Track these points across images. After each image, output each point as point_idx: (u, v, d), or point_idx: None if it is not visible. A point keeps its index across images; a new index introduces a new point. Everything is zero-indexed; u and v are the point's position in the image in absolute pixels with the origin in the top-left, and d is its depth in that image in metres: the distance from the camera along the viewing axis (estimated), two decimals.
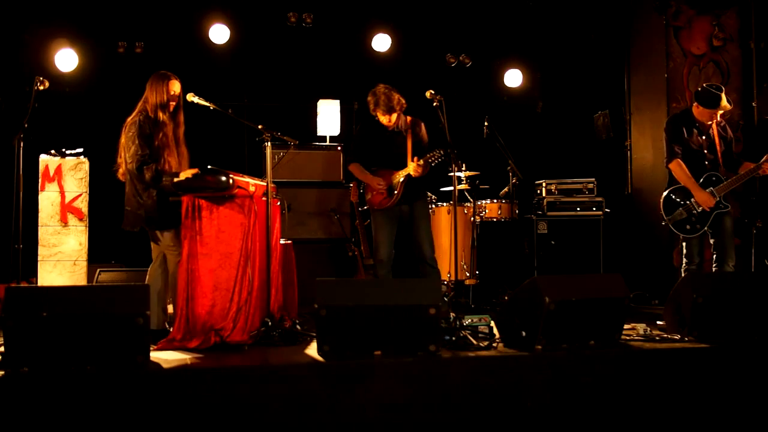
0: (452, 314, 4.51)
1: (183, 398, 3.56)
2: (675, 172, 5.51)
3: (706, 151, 5.50)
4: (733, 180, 5.41)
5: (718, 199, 5.40)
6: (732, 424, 4.02)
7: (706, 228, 5.43)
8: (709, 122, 5.50)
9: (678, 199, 5.51)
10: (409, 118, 5.65)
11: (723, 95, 5.38)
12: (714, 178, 5.44)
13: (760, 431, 4.05)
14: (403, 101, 5.53)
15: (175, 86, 4.79)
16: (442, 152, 5.36)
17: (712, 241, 5.50)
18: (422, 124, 5.73)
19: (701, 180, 5.45)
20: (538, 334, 4.03)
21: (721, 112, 5.46)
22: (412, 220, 5.62)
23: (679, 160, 5.48)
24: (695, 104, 5.51)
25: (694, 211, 5.43)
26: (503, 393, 3.84)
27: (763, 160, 5.33)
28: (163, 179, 4.58)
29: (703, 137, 5.51)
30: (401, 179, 5.53)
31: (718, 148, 5.50)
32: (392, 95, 5.47)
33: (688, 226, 5.47)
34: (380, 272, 5.57)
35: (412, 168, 5.44)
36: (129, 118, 4.74)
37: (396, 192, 5.55)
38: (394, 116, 5.52)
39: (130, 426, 3.45)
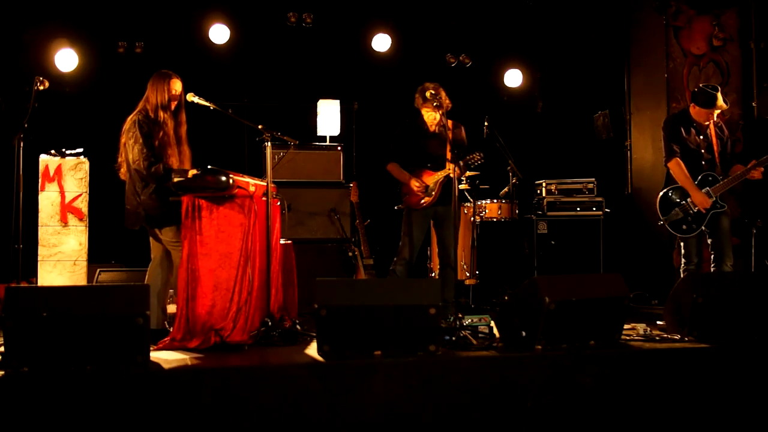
0: (452, 315, 4.51)
1: (183, 398, 3.56)
2: (673, 171, 5.51)
3: (703, 151, 5.50)
4: (728, 181, 5.41)
5: (714, 199, 5.39)
6: (732, 424, 4.02)
7: (702, 228, 5.43)
8: (707, 122, 5.50)
9: (675, 199, 5.52)
10: (449, 121, 5.62)
11: (719, 95, 5.38)
12: (710, 178, 5.44)
13: (760, 431, 4.05)
14: (449, 103, 5.51)
15: (177, 85, 4.79)
16: (481, 155, 5.38)
17: (709, 240, 5.50)
18: (462, 127, 5.73)
19: (698, 179, 5.45)
20: (538, 334, 4.03)
21: (717, 112, 5.46)
22: (443, 223, 5.61)
23: (677, 158, 5.48)
24: (692, 104, 5.52)
25: (691, 211, 5.43)
26: (503, 393, 3.84)
27: (750, 165, 5.35)
28: (172, 177, 4.58)
29: (701, 137, 5.52)
30: (439, 180, 5.54)
31: (715, 148, 5.51)
32: (441, 93, 5.45)
33: (684, 226, 5.47)
34: (400, 269, 5.57)
35: (452, 170, 5.43)
36: (129, 117, 4.74)
37: (434, 192, 5.55)
38: (440, 114, 5.50)
39: (131, 426, 3.45)
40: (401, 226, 5.70)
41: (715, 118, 5.51)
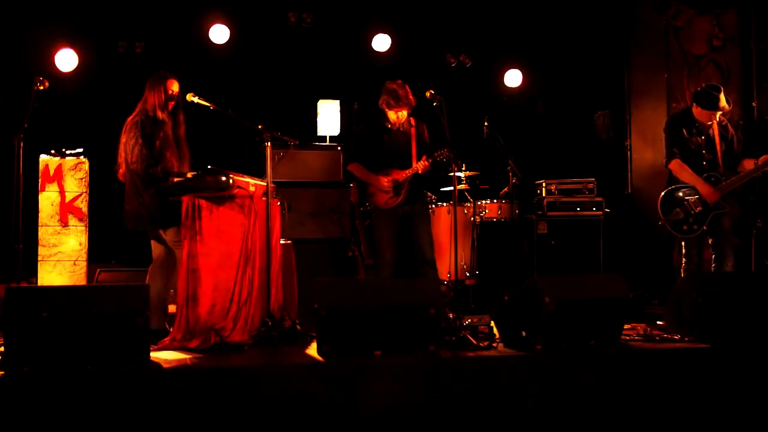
0: (451, 314, 4.51)
1: (183, 398, 3.56)
2: (675, 171, 5.51)
3: (704, 152, 5.50)
4: (734, 180, 5.40)
5: (720, 195, 5.39)
6: (732, 424, 4.02)
7: (704, 228, 5.42)
8: (709, 122, 5.49)
9: (676, 199, 5.51)
10: (412, 119, 5.65)
11: (722, 96, 5.36)
12: (713, 179, 5.43)
13: (760, 431, 4.04)
14: (414, 99, 5.52)
15: (174, 86, 4.80)
16: (448, 151, 5.36)
17: (710, 241, 5.49)
18: (425, 125, 5.73)
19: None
20: (538, 334, 4.04)
21: (720, 113, 5.45)
22: (413, 221, 5.61)
23: (678, 159, 5.48)
24: (694, 104, 5.51)
25: (692, 212, 5.43)
26: (503, 393, 3.84)
27: (762, 159, 5.30)
28: (170, 178, 4.58)
29: (702, 137, 5.51)
30: (407, 178, 5.53)
31: (717, 147, 5.49)
32: (407, 90, 5.47)
33: (685, 227, 5.46)
34: (384, 273, 5.56)
35: (420, 166, 5.44)
36: (129, 119, 4.75)
37: (403, 191, 5.54)
38: (404, 112, 5.51)
39: (131, 426, 3.45)
40: (374, 230, 5.69)
41: (718, 118, 5.50)
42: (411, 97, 5.47)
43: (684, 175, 5.47)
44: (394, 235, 5.61)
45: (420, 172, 5.47)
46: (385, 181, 5.54)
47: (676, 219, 5.47)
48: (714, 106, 5.37)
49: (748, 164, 5.39)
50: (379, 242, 5.64)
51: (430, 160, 5.42)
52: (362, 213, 6.66)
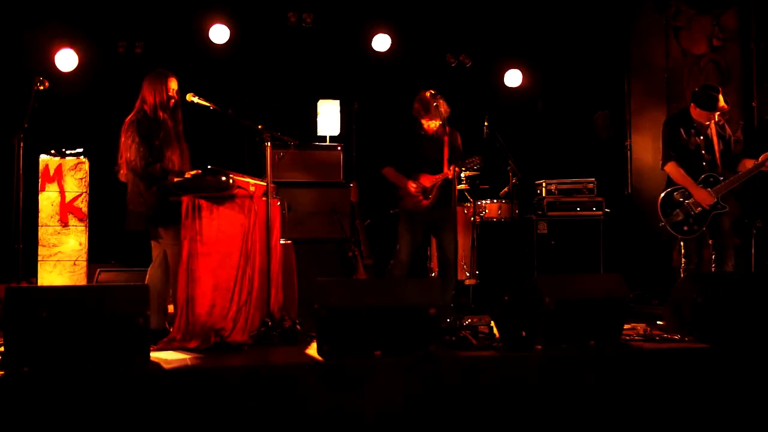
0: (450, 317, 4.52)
1: (183, 398, 3.56)
2: (671, 173, 5.51)
3: (703, 152, 5.49)
4: (732, 180, 5.40)
5: (716, 199, 5.39)
6: (732, 424, 4.02)
7: (703, 228, 5.42)
8: (707, 122, 5.49)
9: (676, 200, 5.50)
10: (447, 126, 5.65)
11: (720, 96, 5.36)
12: (711, 179, 5.43)
13: (760, 431, 4.04)
14: (448, 109, 5.53)
15: (174, 84, 4.80)
16: (479, 159, 5.40)
17: (710, 241, 5.49)
18: (458, 133, 5.75)
19: (699, 180, 5.44)
20: (538, 334, 4.04)
21: (718, 113, 5.45)
22: (440, 226, 5.62)
23: (674, 162, 5.48)
24: (692, 105, 5.50)
25: (692, 212, 5.42)
26: (503, 393, 3.84)
27: (763, 157, 5.29)
28: (169, 177, 4.58)
29: (701, 137, 5.50)
30: (437, 182, 5.54)
31: (716, 148, 5.49)
32: (440, 102, 5.48)
33: (685, 227, 5.45)
34: (397, 272, 5.58)
35: (450, 172, 5.44)
36: (128, 118, 4.74)
37: (432, 195, 5.55)
38: (437, 122, 5.52)
39: (130, 426, 3.45)
40: (398, 230, 5.70)
41: (716, 118, 5.50)
42: (442, 109, 5.47)
43: (679, 178, 5.46)
44: (416, 239, 5.64)
45: (450, 177, 5.46)
46: (413, 187, 5.55)
47: (677, 220, 5.47)
48: (713, 106, 5.37)
49: (748, 164, 5.39)
50: (400, 242, 5.65)
51: (459, 168, 5.45)
52: (362, 213, 6.66)
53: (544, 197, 7.22)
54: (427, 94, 5.51)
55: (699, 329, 4.39)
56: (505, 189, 7.04)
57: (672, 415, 3.98)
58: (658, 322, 5.10)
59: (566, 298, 4.07)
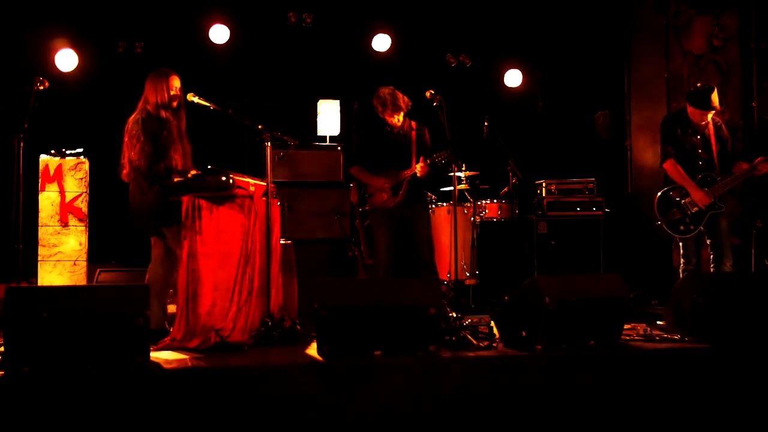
0: (453, 314, 4.51)
1: (183, 398, 3.56)
2: (669, 171, 5.51)
3: (700, 151, 5.50)
4: (729, 180, 5.41)
5: (713, 199, 5.39)
6: (732, 424, 4.02)
7: (701, 228, 5.42)
8: (703, 122, 5.49)
9: (673, 199, 5.50)
10: (413, 122, 5.69)
11: (713, 95, 5.37)
12: (709, 179, 5.44)
13: (760, 431, 4.04)
14: (408, 101, 5.58)
15: (176, 82, 4.79)
16: (447, 153, 5.39)
17: (708, 241, 5.49)
18: (426, 129, 5.77)
19: (696, 180, 5.44)
20: (538, 334, 4.03)
21: (712, 112, 5.45)
22: (414, 223, 5.63)
23: (672, 159, 5.48)
24: (687, 105, 5.52)
25: (689, 212, 5.43)
26: (503, 393, 3.84)
27: (757, 161, 5.32)
28: (172, 177, 4.58)
29: (698, 137, 5.51)
30: (406, 179, 5.55)
31: (713, 148, 5.49)
32: (397, 95, 5.52)
33: (681, 227, 5.46)
34: (379, 273, 5.58)
35: (418, 168, 5.46)
36: (131, 118, 4.74)
37: (401, 191, 5.56)
38: (401, 115, 5.56)
39: (130, 426, 3.45)
40: (372, 231, 5.72)
41: (710, 119, 5.49)
42: (401, 103, 5.51)
43: (677, 176, 5.47)
44: (392, 236, 5.63)
45: (418, 174, 5.50)
46: (383, 181, 5.57)
47: (673, 219, 5.47)
48: (706, 105, 5.38)
49: (744, 166, 5.41)
50: (376, 242, 5.66)
51: (428, 161, 5.46)
52: (361, 213, 6.66)
53: (544, 197, 7.22)
54: (385, 90, 5.55)
55: (699, 329, 4.39)
56: (505, 189, 7.03)
57: (672, 415, 3.97)
58: (658, 322, 5.10)
59: (566, 298, 4.07)
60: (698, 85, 5.57)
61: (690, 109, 5.48)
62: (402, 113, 5.56)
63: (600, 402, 3.92)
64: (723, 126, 5.61)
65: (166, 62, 4.99)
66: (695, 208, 5.41)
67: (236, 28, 7.52)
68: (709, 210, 5.40)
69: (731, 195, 5.56)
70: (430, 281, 4.75)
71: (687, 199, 5.44)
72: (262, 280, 4.65)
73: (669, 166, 5.50)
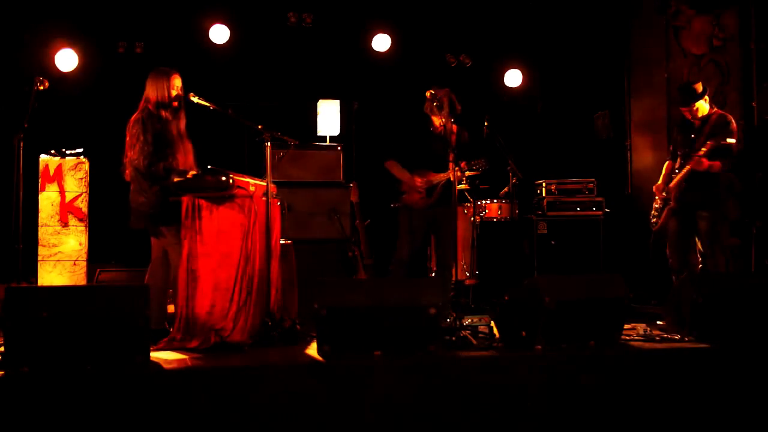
0: (453, 314, 4.51)
1: (183, 398, 3.56)
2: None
3: (686, 150, 5.60)
4: (677, 176, 5.56)
5: (664, 194, 5.62)
6: (732, 424, 4.02)
7: (659, 223, 5.68)
8: (693, 119, 5.58)
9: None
10: (455, 125, 5.64)
11: (692, 90, 5.51)
12: (673, 175, 5.63)
13: (760, 431, 4.04)
14: (459, 107, 5.54)
15: (177, 81, 4.78)
16: (485, 161, 5.42)
17: (698, 240, 5.57)
18: (466, 133, 5.75)
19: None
20: (538, 334, 4.04)
21: (695, 109, 5.53)
22: (441, 224, 5.62)
23: (669, 160, 5.76)
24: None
25: (655, 205, 5.75)
26: (503, 393, 3.84)
27: (699, 153, 5.39)
28: (172, 177, 4.58)
29: (684, 135, 5.65)
30: (442, 181, 5.54)
31: (697, 146, 5.53)
32: (454, 99, 5.50)
33: (654, 219, 5.76)
34: (399, 271, 5.57)
35: (455, 171, 5.44)
36: (132, 117, 4.74)
37: (435, 193, 5.55)
38: (450, 120, 5.52)
39: (130, 426, 3.45)
40: (398, 227, 5.70)
41: (697, 114, 5.57)
42: (458, 106, 5.50)
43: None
44: (419, 236, 5.64)
45: (453, 178, 5.47)
46: (419, 182, 5.55)
47: (653, 213, 5.77)
48: (683, 102, 5.56)
49: (710, 164, 5.46)
50: (400, 240, 5.65)
51: (465, 167, 5.47)
52: (362, 212, 6.66)
53: (544, 197, 7.22)
54: (443, 91, 5.50)
55: (699, 329, 4.39)
56: (505, 189, 7.04)
57: (672, 415, 3.97)
58: (658, 322, 5.10)
59: (566, 298, 4.07)
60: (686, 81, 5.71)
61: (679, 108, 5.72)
62: (451, 119, 5.51)
63: (600, 402, 3.92)
64: (716, 121, 5.59)
65: (166, 62, 4.99)
66: (657, 203, 5.71)
67: (236, 28, 7.52)
68: (664, 204, 5.63)
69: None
70: (430, 281, 4.76)
71: (656, 196, 5.77)
72: (262, 280, 4.65)
73: (666, 165, 5.80)
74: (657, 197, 5.72)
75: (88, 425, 3.41)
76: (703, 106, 5.55)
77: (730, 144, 5.42)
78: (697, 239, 5.55)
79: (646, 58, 7.67)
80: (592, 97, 8.27)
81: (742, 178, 6.92)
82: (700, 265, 5.52)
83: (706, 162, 5.35)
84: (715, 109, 5.67)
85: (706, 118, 5.57)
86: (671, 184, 5.58)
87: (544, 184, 7.28)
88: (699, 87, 5.53)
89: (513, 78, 8.36)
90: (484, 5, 8.13)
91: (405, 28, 8.00)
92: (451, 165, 5.48)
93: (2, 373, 3.49)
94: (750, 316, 4.39)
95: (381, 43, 7.88)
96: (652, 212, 5.77)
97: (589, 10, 8.07)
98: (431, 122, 5.62)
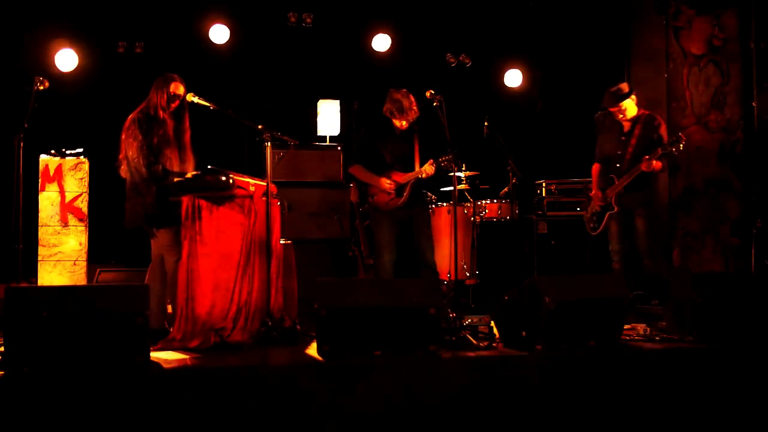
0: (452, 314, 4.51)
1: (183, 398, 3.56)
2: (592, 173, 5.86)
3: (619, 153, 5.66)
4: (623, 179, 5.57)
5: (605, 202, 5.64)
6: (732, 424, 4.02)
7: (600, 227, 5.71)
8: (625, 121, 5.65)
9: (590, 198, 5.89)
10: (415, 125, 5.66)
11: (617, 91, 5.60)
12: (610, 179, 5.66)
13: (760, 431, 4.04)
14: (417, 109, 5.56)
15: (178, 88, 4.81)
16: (452, 157, 5.41)
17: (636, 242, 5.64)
18: (428, 130, 5.75)
19: (606, 179, 5.71)
20: (538, 334, 4.04)
21: (622, 107, 5.61)
22: (415, 224, 5.63)
23: (595, 163, 5.84)
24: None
25: (594, 211, 5.77)
26: (503, 393, 3.84)
27: (646, 157, 5.41)
28: (169, 177, 4.58)
29: (615, 136, 5.73)
30: (410, 180, 5.55)
31: (630, 149, 5.59)
32: (411, 100, 5.51)
33: (592, 224, 5.80)
34: (382, 274, 5.57)
35: (425, 169, 5.46)
36: (130, 116, 4.76)
37: (405, 193, 5.56)
38: (410, 121, 5.54)
39: (130, 426, 3.45)
40: (373, 232, 5.72)
41: (628, 116, 5.62)
42: (415, 107, 5.52)
43: (592, 178, 5.84)
44: (394, 237, 5.63)
45: (423, 177, 5.49)
46: (387, 183, 5.56)
47: (587, 218, 5.81)
48: (611, 102, 5.65)
49: (657, 165, 5.46)
50: (378, 243, 5.66)
51: (434, 166, 5.46)
52: (362, 213, 6.66)
53: (544, 197, 7.22)
54: (399, 93, 5.53)
55: (699, 329, 4.39)
56: (505, 189, 7.04)
57: (672, 415, 3.98)
58: (658, 323, 5.10)
59: (566, 298, 4.07)
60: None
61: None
62: (411, 120, 5.54)
63: (600, 402, 3.92)
64: (646, 121, 5.64)
65: (166, 62, 5.01)
66: (596, 209, 5.72)
67: (236, 28, 7.52)
68: (604, 211, 5.63)
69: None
70: (430, 281, 4.75)
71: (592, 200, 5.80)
72: (262, 280, 4.65)
73: (593, 169, 5.86)
74: (594, 203, 5.74)
75: (88, 425, 3.41)
76: (631, 106, 5.63)
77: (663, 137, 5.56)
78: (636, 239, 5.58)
79: (646, 58, 7.67)
80: (592, 97, 8.26)
81: (742, 178, 6.92)
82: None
83: (654, 164, 5.37)
84: (643, 111, 5.75)
85: (635, 120, 5.63)
86: (614, 189, 5.58)
87: (544, 184, 7.28)
88: (625, 87, 5.64)
89: (513, 78, 8.36)
90: (484, 5, 8.13)
91: (405, 28, 8.00)
92: (417, 164, 5.50)
93: (2, 373, 3.49)
94: (750, 316, 4.39)
95: (381, 43, 7.88)
96: (590, 217, 5.80)
97: (589, 10, 8.06)
98: (392, 123, 5.62)
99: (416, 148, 5.60)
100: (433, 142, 5.73)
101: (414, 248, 5.69)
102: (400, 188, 5.58)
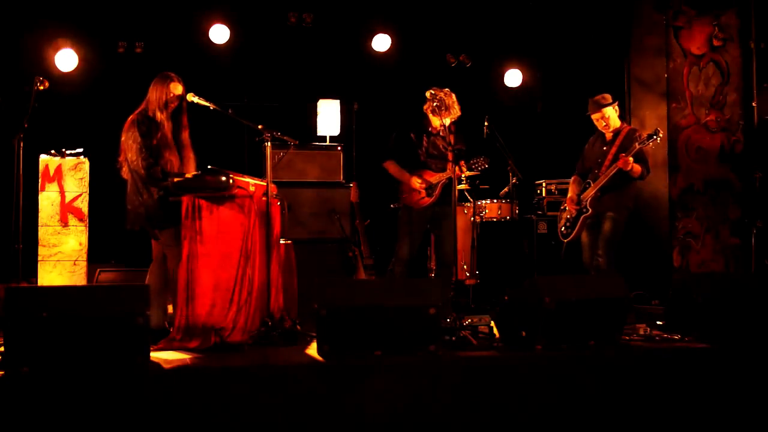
0: (452, 314, 4.51)
1: (183, 398, 3.56)
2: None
3: (599, 160, 5.67)
4: (598, 182, 5.58)
5: (579, 206, 5.65)
6: (732, 424, 4.02)
7: (573, 233, 5.70)
8: (603, 128, 5.69)
9: (563, 207, 5.92)
10: (452, 125, 5.65)
11: (598, 99, 5.65)
12: (586, 186, 5.69)
13: (760, 431, 4.04)
14: (459, 108, 5.57)
15: (177, 88, 4.80)
16: (485, 160, 5.43)
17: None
18: (461, 135, 5.76)
19: (582, 185, 5.75)
20: (538, 334, 4.04)
21: (598, 117, 5.66)
22: (441, 223, 5.63)
23: (576, 175, 5.88)
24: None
25: (569, 216, 5.77)
26: (503, 393, 3.84)
27: (623, 155, 5.43)
28: (168, 179, 4.58)
29: (599, 147, 5.73)
30: (442, 180, 5.55)
31: (609, 157, 5.59)
32: (453, 99, 5.51)
33: (564, 230, 5.81)
34: (399, 270, 5.59)
35: (456, 172, 5.45)
36: (130, 118, 4.75)
37: (435, 193, 5.56)
38: (448, 119, 5.53)
39: (130, 426, 3.45)
40: (398, 226, 5.71)
41: (605, 123, 5.65)
42: (458, 106, 5.51)
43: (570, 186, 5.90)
44: (419, 236, 5.66)
45: (453, 177, 5.48)
46: (417, 183, 5.56)
47: (561, 224, 5.84)
48: (593, 109, 5.68)
49: (636, 168, 5.46)
50: (400, 240, 5.66)
51: (465, 166, 5.49)
52: (362, 212, 6.66)
53: (544, 197, 7.22)
54: (442, 92, 5.51)
55: (699, 329, 4.40)
56: (505, 189, 7.04)
57: (672, 415, 3.98)
58: (658, 322, 5.10)
59: (566, 298, 4.07)
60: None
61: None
62: (449, 119, 5.52)
63: (600, 402, 3.92)
64: (627, 134, 5.65)
65: (166, 62, 5.01)
66: (569, 214, 5.74)
67: (236, 28, 7.52)
68: (579, 215, 5.64)
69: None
70: (430, 281, 4.76)
71: (564, 206, 5.83)
72: (262, 280, 4.65)
73: (571, 179, 5.91)
74: (569, 208, 5.76)
75: (88, 425, 3.41)
76: (613, 115, 5.67)
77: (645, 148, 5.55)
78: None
79: (646, 58, 7.67)
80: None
81: (742, 178, 6.93)
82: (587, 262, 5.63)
83: (632, 161, 5.37)
84: (626, 124, 5.80)
85: (617, 131, 5.65)
86: (589, 192, 5.60)
87: (544, 184, 7.28)
88: (608, 96, 5.68)
89: (513, 78, 8.36)
90: (484, 5, 8.13)
91: (405, 28, 8.00)
92: (450, 164, 5.49)
93: (2, 373, 3.49)
94: (750, 316, 4.39)
95: (381, 43, 7.89)
96: (564, 223, 5.82)
97: (589, 10, 8.06)
98: (430, 122, 5.62)
99: (450, 149, 5.57)
100: (467, 144, 5.75)
101: (437, 246, 5.75)
102: (430, 187, 5.58)
